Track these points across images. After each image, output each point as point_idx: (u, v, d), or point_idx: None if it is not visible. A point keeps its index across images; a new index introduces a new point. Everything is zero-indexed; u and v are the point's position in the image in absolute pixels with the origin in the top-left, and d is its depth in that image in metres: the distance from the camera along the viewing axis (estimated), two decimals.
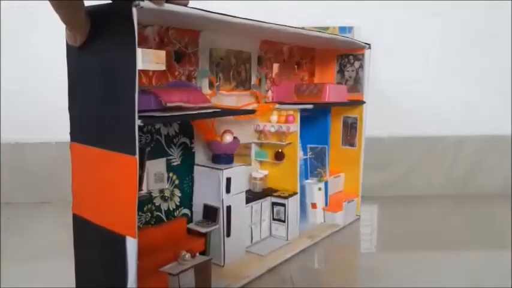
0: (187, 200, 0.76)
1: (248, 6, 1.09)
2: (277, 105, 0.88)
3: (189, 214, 0.77)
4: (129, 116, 0.48)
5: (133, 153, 0.49)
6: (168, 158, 0.72)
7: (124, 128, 0.49)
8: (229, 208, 0.74)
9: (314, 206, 0.99)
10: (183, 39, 0.71)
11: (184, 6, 0.53)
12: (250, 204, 0.83)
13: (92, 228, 0.55)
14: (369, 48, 0.99)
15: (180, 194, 0.75)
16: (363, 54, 1.00)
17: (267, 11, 1.11)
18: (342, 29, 1.13)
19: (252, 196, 0.85)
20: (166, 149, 0.71)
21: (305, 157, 1.00)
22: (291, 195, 0.87)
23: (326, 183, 1.00)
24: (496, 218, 1.07)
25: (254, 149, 0.91)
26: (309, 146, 1.01)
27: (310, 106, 0.85)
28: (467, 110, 1.24)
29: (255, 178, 0.88)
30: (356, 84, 1.02)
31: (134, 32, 0.47)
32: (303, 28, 0.80)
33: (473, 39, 1.22)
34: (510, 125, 1.24)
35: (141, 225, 0.68)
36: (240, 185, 0.76)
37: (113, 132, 0.51)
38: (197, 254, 0.65)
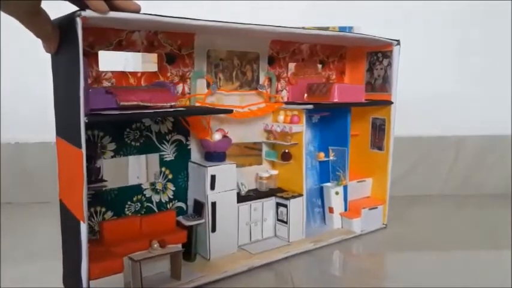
0: (182, 194, 0.80)
1: (248, 6, 1.09)
2: (283, 105, 0.88)
3: (185, 208, 0.81)
4: (77, 113, 0.55)
5: (80, 147, 0.55)
6: (161, 153, 0.77)
7: (75, 124, 0.55)
8: (214, 204, 0.76)
9: (331, 210, 0.95)
10: (175, 42, 0.76)
11: (135, 12, 0.57)
12: (248, 202, 0.84)
13: (67, 212, 0.63)
14: (398, 44, 0.92)
15: (173, 188, 0.79)
16: (391, 51, 0.93)
17: (266, 11, 1.10)
18: (342, 29, 1.06)
19: (254, 195, 0.86)
20: (158, 145, 0.77)
21: (326, 159, 0.97)
22: (294, 197, 0.86)
23: (345, 188, 0.96)
24: (496, 218, 1.06)
25: (265, 148, 0.92)
26: (330, 147, 0.97)
27: (310, 106, 0.83)
28: (467, 110, 1.23)
29: (261, 177, 0.89)
30: (384, 83, 0.95)
31: (78, 38, 0.53)
32: (303, 28, 0.78)
33: (473, 39, 1.22)
34: (510, 125, 1.23)
35: (129, 214, 0.75)
36: (229, 183, 0.78)
37: (70, 127, 0.57)
38: (168, 245, 0.69)
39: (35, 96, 1.02)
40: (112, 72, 0.70)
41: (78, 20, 0.52)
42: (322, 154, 0.97)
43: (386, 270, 0.79)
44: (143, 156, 0.75)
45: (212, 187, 0.75)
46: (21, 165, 1.12)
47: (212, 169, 0.75)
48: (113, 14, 0.55)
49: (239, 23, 0.68)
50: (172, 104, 0.65)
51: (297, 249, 0.83)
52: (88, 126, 0.66)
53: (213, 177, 0.75)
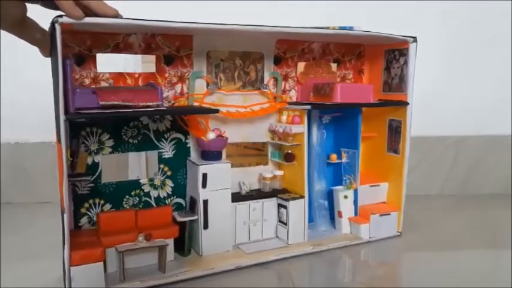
0: (181, 191, 0.83)
1: (249, 6, 1.10)
2: (287, 105, 0.87)
3: (184, 204, 0.84)
4: (57, 112, 0.59)
5: (60, 142, 0.60)
6: (160, 151, 0.80)
7: (57, 121, 0.60)
8: (206, 202, 0.77)
9: (340, 214, 0.92)
10: (173, 44, 0.78)
11: (112, 17, 0.60)
12: (247, 202, 0.85)
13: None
14: (415, 41, 0.86)
15: (172, 185, 0.82)
16: (407, 49, 0.87)
17: (266, 11, 1.10)
18: (342, 29, 1.00)
19: (255, 195, 0.86)
20: (156, 142, 0.80)
21: (339, 161, 0.94)
22: (294, 199, 0.84)
23: (355, 192, 0.92)
24: (496, 218, 1.06)
25: (270, 149, 0.91)
26: (342, 149, 0.94)
27: (308, 107, 0.81)
28: (468, 110, 1.23)
29: (264, 178, 0.89)
30: (401, 82, 0.90)
31: (57, 42, 0.57)
32: (300, 28, 0.77)
33: (474, 39, 1.22)
34: (510, 125, 1.24)
35: (127, 207, 0.79)
36: (222, 182, 0.79)
37: (57, 125, 0.63)
38: (155, 239, 0.72)
39: (35, 96, 1.00)
40: (110, 73, 0.74)
41: (57, 26, 0.57)
42: (334, 156, 0.94)
43: (374, 278, 0.74)
44: (141, 153, 0.79)
45: (204, 185, 0.77)
46: (21, 165, 1.12)
47: (204, 167, 0.77)
48: (88, 20, 0.58)
49: (234, 24, 0.69)
50: (158, 103, 0.67)
51: (292, 252, 0.81)
52: (80, 124, 0.71)
53: (204, 175, 0.77)
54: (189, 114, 0.80)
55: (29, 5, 0.58)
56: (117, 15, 0.61)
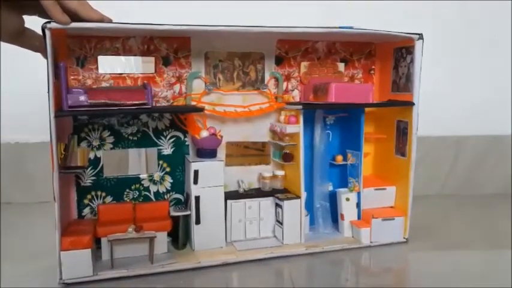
0: (179, 187, 0.86)
1: (248, 6, 1.11)
2: (284, 105, 0.87)
3: (182, 199, 0.87)
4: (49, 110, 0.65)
5: (51, 140, 0.65)
6: (159, 148, 0.84)
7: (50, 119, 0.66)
8: (197, 198, 0.80)
9: (342, 217, 0.90)
10: (171, 46, 0.82)
11: (99, 21, 0.65)
12: (242, 200, 0.86)
13: None
14: (420, 38, 0.82)
15: (171, 180, 0.86)
16: (413, 47, 0.83)
17: (266, 11, 1.09)
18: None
19: (254, 193, 0.87)
20: (155, 140, 0.84)
21: (344, 163, 0.92)
22: (289, 199, 0.84)
23: (358, 195, 0.89)
24: (496, 218, 1.06)
25: (272, 148, 0.92)
26: (348, 151, 0.92)
27: (300, 107, 0.80)
28: (468, 110, 1.24)
29: (263, 177, 0.89)
30: (407, 82, 0.86)
31: (47, 45, 0.63)
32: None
33: (474, 40, 1.22)
34: (510, 125, 1.25)
35: (127, 200, 0.84)
36: (215, 179, 0.80)
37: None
38: (143, 231, 0.76)
39: (35, 96, 0.97)
40: (110, 74, 0.79)
41: (47, 32, 0.63)
42: (340, 157, 0.92)
43: (366, 282, 0.72)
44: (141, 150, 0.83)
45: (195, 181, 0.79)
46: (21, 165, 1.12)
47: (195, 164, 0.79)
48: (74, 25, 0.63)
49: (230, 26, 0.71)
50: (145, 102, 0.71)
51: (284, 252, 0.81)
52: (80, 120, 0.77)
53: (196, 172, 0.79)
54: (173, 113, 0.83)
55: (26, 16, 0.65)
56: (102, 19, 0.65)
